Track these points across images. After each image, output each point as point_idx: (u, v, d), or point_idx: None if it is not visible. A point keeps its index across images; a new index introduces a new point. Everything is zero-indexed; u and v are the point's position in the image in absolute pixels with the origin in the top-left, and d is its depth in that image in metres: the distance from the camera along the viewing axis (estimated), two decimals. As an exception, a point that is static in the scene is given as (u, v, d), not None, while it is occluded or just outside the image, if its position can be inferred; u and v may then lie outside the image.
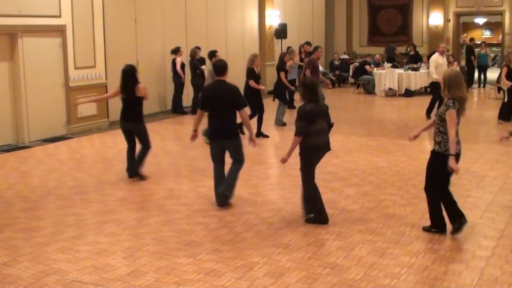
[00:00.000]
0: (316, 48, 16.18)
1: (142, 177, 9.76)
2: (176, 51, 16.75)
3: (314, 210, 7.56)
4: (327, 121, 7.57)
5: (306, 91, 7.43)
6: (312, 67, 15.28)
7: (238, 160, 8.24)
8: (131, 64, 10.15)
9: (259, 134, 13.16)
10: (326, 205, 7.66)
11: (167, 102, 17.78)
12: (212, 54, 14.54)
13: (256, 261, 6.29)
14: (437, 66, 15.24)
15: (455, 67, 21.70)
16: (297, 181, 9.49)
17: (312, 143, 7.35)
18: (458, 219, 6.90)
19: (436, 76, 14.95)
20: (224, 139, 8.10)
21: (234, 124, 8.16)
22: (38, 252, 6.65)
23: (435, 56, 15.67)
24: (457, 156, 6.78)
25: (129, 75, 9.69)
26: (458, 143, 6.76)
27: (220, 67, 8.22)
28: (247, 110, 8.39)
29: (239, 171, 8.28)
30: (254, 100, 13.21)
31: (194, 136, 8.37)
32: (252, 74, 13.25)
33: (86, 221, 7.75)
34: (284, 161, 7.51)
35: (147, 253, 6.58)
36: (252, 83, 13.21)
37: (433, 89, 15.92)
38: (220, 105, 8.05)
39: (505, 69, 15.34)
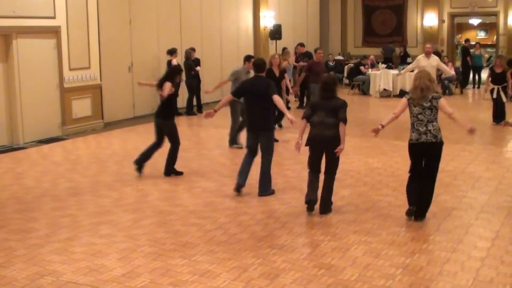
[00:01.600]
0: (315, 51, 16.18)
1: (177, 173, 10.09)
2: (172, 52, 16.74)
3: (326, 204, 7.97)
4: (335, 116, 7.69)
5: (320, 87, 7.97)
6: (308, 70, 15.34)
7: (267, 153, 8.69)
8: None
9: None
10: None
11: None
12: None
13: (251, 262, 6.29)
14: (419, 68, 14.39)
15: (450, 68, 21.82)
16: (292, 182, 9.53)
17: (309, 134, 7.92)
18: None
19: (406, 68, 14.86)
20: (260, 131, 8.66)
21: (269, 117, 8.84)
22: (33, 253, 6.64)
23: (419, 57, 15.72)
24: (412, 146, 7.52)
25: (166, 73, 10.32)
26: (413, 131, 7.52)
27: (260, 65, 8.96)
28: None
29: (269, 167, 8.73)
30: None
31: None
32: (269, 75, 12.99)
33: (81, 222, 7.73)
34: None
35: (142, 254, 6.57)
36: None
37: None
38: (257, 99, 8.68)
39: (488, 72, 15.42)
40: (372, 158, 11.17)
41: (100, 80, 15.22)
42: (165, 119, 9.95)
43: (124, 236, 7.16)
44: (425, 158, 7.45)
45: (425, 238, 6.98)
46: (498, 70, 15.01)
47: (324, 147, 7.80)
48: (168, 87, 9.84)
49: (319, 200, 7.91)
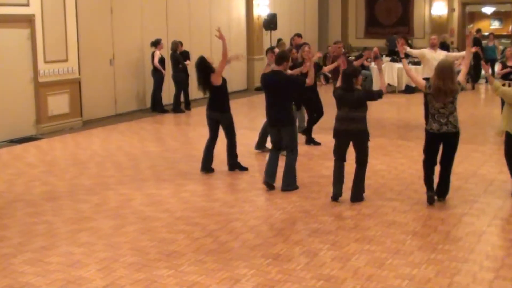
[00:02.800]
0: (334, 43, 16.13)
1: (242, 168, 10.50)
2: (156, 43, 16.74)
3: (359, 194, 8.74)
4: (359, 110, 8.52)
5: (342, 78, 8.61)
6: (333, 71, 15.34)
7: (291, 148, 9.21)
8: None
9: (310, 140, 12.73)
10: (320, 211, 7.65)
11: (146, 99, 17.75)
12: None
13: (244, 273, 6.29)
14: (425, 61, 14.62)
15: (461, 61, 21.82)
16: (289, 186, 9.52)
17: (334, 128, 8.69)
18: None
19: (408, 51, 14.66)
20: (282, 126, 9.17)
21: (290, 111, 9.26)
22: (4, 264, 6.61)
23: (424, 50, 15.32)
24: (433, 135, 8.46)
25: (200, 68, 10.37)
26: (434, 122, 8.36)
27: (278, 58, 9.39)
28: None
29: (294, 162, 9.27)
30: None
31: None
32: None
33: (57, 230, 7.71)
34: None
35: (124, 264, 6.56)
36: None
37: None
38: (276, 94, 9.19)
39: (500, 66, 15.19)
40: (375, 160, 11.18)
41: (79, 74, 15.20)
42: (222, 111, 10.30)
43: (104, 245, 7.15)
44: (444, 147, 8.46)
45: (433, 246, 6.99)
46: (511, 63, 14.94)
47: (350, 140, 8.62)
48: (215, 76, 10.20)
49: (351, 188, 8.69)
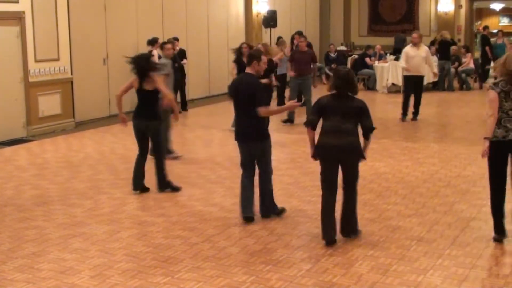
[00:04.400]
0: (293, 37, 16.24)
1: (174, 188, 9.56)
2: (153, 42, 16.71)
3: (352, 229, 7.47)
4: (356, 121, 7.17)
5: (337, 82, 7.21)
6: (291, 60, 15.48)
7: (266, 167, 8.18)
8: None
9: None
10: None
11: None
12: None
13: (243, 280, 6.29)
14: (408, 59, 15.46)
15: (468, 59, 21.86)
16: (289, 189, 9.54)
17: (319, 142, 7.26)
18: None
19: (403, 65, 15.49)
20: (252, 141, 8.04)
21: (262, 123, 8.13)
22: (-6, 271, 6.63)
23: (406, 48, 15.97)
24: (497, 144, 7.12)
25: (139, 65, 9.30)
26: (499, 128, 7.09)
27: (249, 57, 8.25)
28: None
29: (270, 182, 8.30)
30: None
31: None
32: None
33: (49, 235, 7.71)
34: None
35: (118, 271, 6.57)
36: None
37: (405, 83, 16.30)
38: (245, 101, 8.04)
39: None
40: (379, 162, 11.19)
41: (71, 74, 15.21)
42: (150, 119, 9.37)
43: (98, 251, 7.15)
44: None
45: (439, 252, 6.99)
46: None
47: (340, 158, 7.21)
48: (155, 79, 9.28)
49: (341, 222, 7.38)
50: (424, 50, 15.77)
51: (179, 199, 9.16)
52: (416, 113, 15.59)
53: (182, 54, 17.35)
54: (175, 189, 9.53)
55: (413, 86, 15.41)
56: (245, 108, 7.95)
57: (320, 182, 7.34)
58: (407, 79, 15.75)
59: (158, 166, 9.48)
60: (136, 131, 9.40)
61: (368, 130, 7.18)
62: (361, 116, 7.16)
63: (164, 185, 9.52)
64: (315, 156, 7.31)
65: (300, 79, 15.15)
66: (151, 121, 9.28)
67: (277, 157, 11.56)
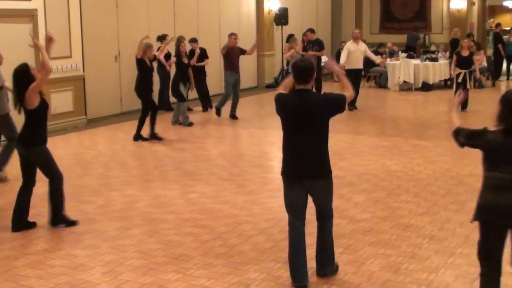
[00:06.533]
0: (229, 36, 16.35)
1: (70, 223, 7.96)
2: (162, 38, 16.74)
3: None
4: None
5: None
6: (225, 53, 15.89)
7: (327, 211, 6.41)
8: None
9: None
10: (333, 213, 7.56)
11: (153, 97, 17.67)
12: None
13: (254, 277, 6.30)
14: (349, 53, 16.90)
15: (481, 57, 21.73)
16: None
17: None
18: None
19: (343, 62, 16.67)
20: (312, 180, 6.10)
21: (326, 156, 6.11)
22: (6, 267, 6.65)
23: (348, 43, 17.44)
24: None
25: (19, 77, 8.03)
26: None
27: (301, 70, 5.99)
28: None
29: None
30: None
31: None
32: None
33: (60, 232, 7.74)
34: None
35: (130, 268, 6.58)
36: None
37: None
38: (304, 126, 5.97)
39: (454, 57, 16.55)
40: (391, 160, 11.17)
41: (83, 71, 15.24)
42: (28, 145, 7.81)
43: (109, 247, 7.17)
44: None
45: (451, 250, 6.98)
46: None
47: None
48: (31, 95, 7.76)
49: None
50: (363, 45, 17.50)
51: (190, 197, 9.16)
52: (354, 101, 16.44)
53: (191, 52, 17.28)
54: (71, 223, 7.95)
55: (354, 78, 15.68)
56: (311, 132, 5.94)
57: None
58: (348, 72, 16.20)
59: (51, 197, 8.01)
60: (19, 157, 7.99)
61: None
62: None
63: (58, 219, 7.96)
64: None
65: None
66: (29, 147, 7.80)
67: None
